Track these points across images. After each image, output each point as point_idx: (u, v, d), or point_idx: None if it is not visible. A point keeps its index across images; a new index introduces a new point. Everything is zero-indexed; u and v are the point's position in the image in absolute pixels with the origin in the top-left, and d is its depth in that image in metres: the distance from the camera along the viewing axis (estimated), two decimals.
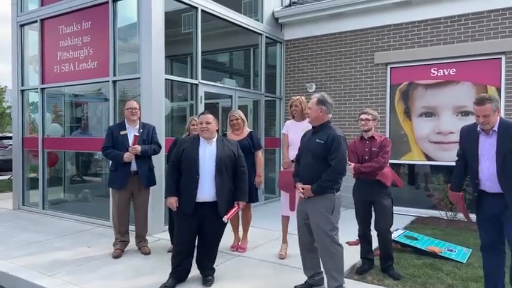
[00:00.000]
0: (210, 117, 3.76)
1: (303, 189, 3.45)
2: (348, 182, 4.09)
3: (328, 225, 3.38)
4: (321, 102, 3.47)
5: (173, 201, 3.70)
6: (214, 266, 3.95)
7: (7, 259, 4.52)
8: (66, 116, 7.71)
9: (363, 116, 4.15)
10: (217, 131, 3.85)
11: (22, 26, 7.40)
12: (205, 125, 3.70)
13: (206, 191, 3.63)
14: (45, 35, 7.03)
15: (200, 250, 3.83)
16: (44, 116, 7.13)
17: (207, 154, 3.68)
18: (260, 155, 4.97)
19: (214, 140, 3.77)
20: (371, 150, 4.08)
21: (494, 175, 3.11)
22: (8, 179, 11.54)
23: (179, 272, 3.76)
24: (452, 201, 3.82)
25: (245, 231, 4.99)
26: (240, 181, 3.80)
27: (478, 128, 3.21)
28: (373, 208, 4.17)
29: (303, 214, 3.55)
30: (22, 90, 7.47)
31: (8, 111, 37.37)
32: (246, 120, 4.99)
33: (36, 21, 7.09)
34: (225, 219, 3.63)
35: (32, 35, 7.45)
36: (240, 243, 4.92)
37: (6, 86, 36.57)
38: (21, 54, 7.43)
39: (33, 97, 7.62)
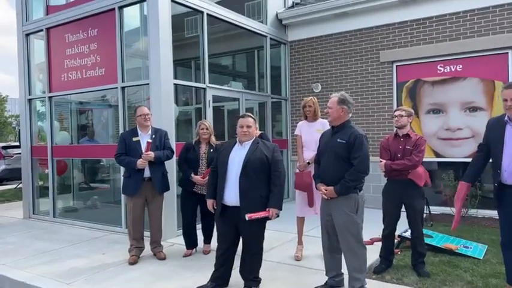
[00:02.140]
0: (250, 120, 3.65)
1: (326, 190, 3.43)
2: (371, 181, 4.07)
3: (353, 225, 3.36)
4: (342, 101, 3.46)
5: (209, 204, 3.75)
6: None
7: (24, 269, 4.53)
8: (73, 124, 7.71)
9: (397, 113, 4.13)
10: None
11: (28, 35, 7.41)
12: (246, 128, 3.60)
13: (233, 194, 3.50)
14: (51, 44, 7.05)
15: (241, 258, 3.71)
16: (52, 125, 7.14)
17: (238, 157, 3.56)
18: None
19: (249, 142, 3.63)
20: (405, 148, 4.03)
21: None
22: (15, 188, 11.57)
23: (220, 274, 3.66)
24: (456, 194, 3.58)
25: None
26: (272, 186, 3.54)
27: (506, 118, 3.21)
28: (404, 208, 4.12)
29: (327, 215, 3.53)
30: (29, 100, 7.48)
31: (9, 120, 37.52)
32: (256, 122, 4.97)
33: (41, 30, 7.11)
34: (246, 217, 3.37)
35: (38, 44, 7.47)
36: None
37: (7, 95, 36.75)
38: (28, 63, 7.44)
39: (40, 106, 7.64)
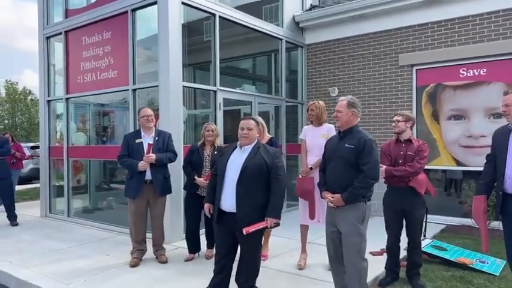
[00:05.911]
0: (251, 123, 3.45)
1: (332, 198, 3.26)
2: (377, 188, 3.88)
3: (357, 236, 3.19)
4: (352, 104, 3.33)
5: (206, 208, 3.62)
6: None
7: (29, 267, 4.58)
8: (90, 125, 7.83)
9: (394, 118, 4.00)
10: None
11: (48, 38, 7.61)
12: (247, 131, 3.41)
13: (229, 200, 3.34)
14: (69, 47, 7.20)
15: (238, 265, 3.57)
16: (68, 126, 7.28)
17: (236, 162, 3.39)
18: None
19: (250, 147, 3.44)
20: (406, 154, 3.86)
21: None
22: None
23: (219, 281, 3.51)
24: (473, 211, 3.43)
25: (266, 238, 4.84)
26: (271, 193, 3.35)
27: (509, 125, 3.18)
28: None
29: (332, 225, 3.36)
30: (48, 101, 7.66)
31: None
32: (265, 126, 4.86)
33: (60, 33, 7.27)
34: (244, 231, 3.21)
35: (58, 47, 7.66)
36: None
37: None
38: (48, 65, 7.64)
39: (59, 107, 7.81)
